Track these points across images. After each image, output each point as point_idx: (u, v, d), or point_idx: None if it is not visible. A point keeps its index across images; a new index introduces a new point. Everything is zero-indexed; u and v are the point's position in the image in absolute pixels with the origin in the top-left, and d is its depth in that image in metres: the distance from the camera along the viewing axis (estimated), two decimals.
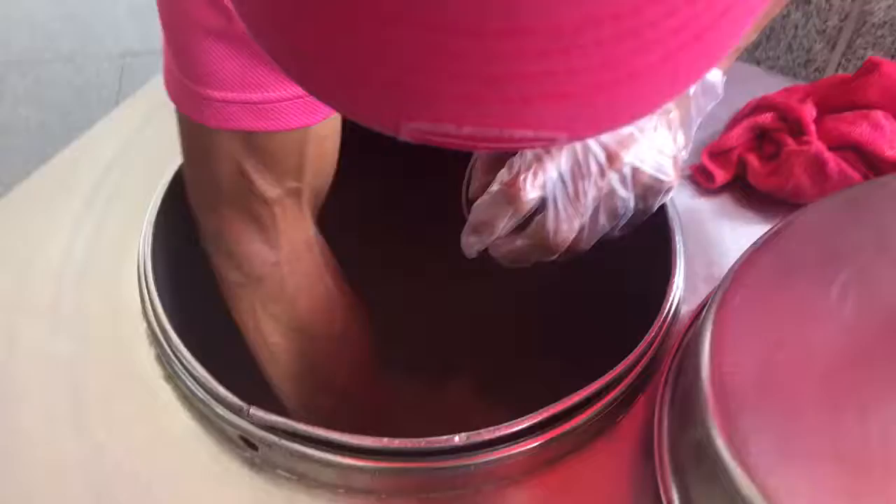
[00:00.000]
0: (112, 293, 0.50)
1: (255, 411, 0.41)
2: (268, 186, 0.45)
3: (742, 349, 0.41)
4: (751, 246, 0.46)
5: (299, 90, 0.41)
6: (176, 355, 0.45)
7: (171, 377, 0.46)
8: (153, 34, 2.15)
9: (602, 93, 0.19)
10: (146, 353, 0.47)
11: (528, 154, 0.46)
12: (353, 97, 0.20)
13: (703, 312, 0.47)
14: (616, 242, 0.51)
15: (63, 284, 0.51)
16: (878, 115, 0.57)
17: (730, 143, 0.58)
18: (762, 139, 0.59)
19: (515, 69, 0.18)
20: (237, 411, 0.41)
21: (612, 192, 0.47)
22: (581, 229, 0.47)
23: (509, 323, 0.74)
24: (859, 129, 0.56)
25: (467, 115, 0.19)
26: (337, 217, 0.51)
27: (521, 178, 0.45)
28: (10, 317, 0.49)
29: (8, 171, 1.74)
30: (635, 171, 0.46)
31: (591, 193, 0.46)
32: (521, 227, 0.48)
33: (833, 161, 0.55)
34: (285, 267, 0.48)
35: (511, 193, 0.45)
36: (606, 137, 0.46)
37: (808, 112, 0.58)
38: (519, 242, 0.48)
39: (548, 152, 0.45)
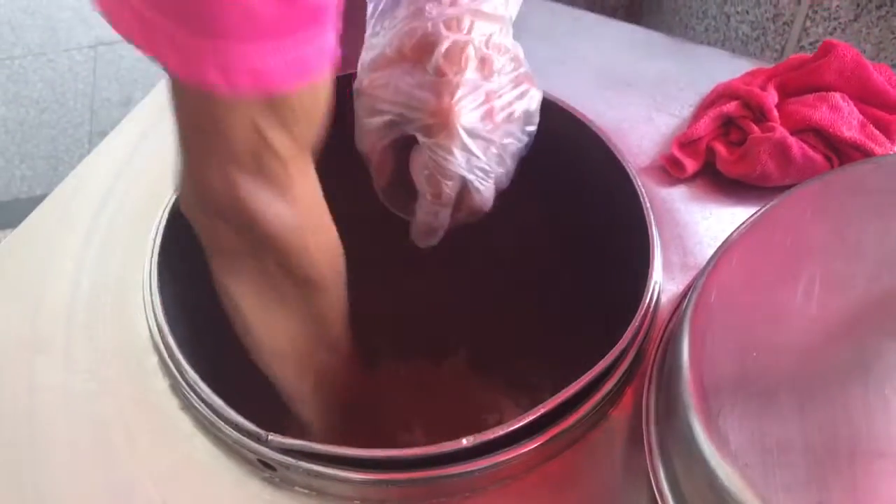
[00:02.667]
0: (122, 326, 0.53)
1: (274, 437, 0.44)
2: (286, 144, 0.43)
3: (719, 343, 0.44)
4: (725, 241, 0.49)
5: (330, 33, 0.40)
6: (190, 386, 0.48)
7: (188, 407, 0.49)
8: None
9: None
10: (161, 385, 0.50)
11: (426, 155, 0.51)
12: None
13: (682, 307, 0.50)
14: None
15: (74, 320, 0.53)
16: (836, 97, 0.60)
17: (698, 132, 0.61)
18: (728, 127, 0.62)
19: None
20: (256, 439, 0.44)
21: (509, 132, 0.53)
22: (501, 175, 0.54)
23: (492, 316, 0.77)
24: (819, 113, 0.59)
25: None
26: None
27: (440, 183, 0.51)
28: (25, 356, 0.52)
29: None
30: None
31: (495, 151, 0.52)
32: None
33: (796, 146, 0.58)
34: (302, 222, 0.47)
35: (443, 201, 0.52)
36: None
37: (770, 98, 0.60)
38: (458, 217, 0.56)
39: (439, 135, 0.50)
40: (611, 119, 0.64)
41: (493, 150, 0.52)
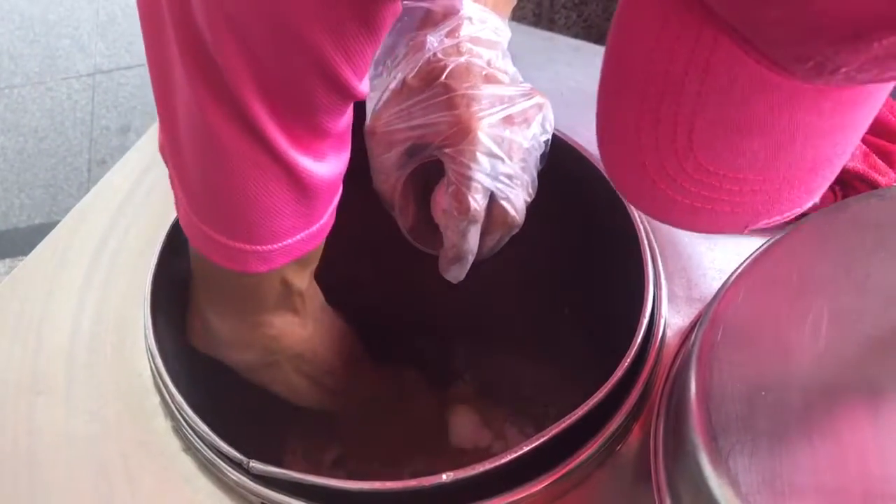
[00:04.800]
0: (123, 366, 0.52)
1: (255, 464, 0.44)
2: (303, 281, 0.50)
3: (727, 380, 0.43)
4: (730, 276, 0.49)
5: (336, 192, 0.47)
6: (193, 429, 0.47)
7: (190, 449, 0.48)
8: (121, 50, 2.14)
9: None
10: (163, 426, 0.49)
11: (450, 170, 0.49)
12: None
13: (689, 342, 0.50)
14: None
15: (74, 362, 0.53)
16: None
17: None
18: None
19: None
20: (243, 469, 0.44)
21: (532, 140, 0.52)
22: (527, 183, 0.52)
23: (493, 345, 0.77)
24: None
25: None
26: None
27: (467, 196, 0.49)
28: (26, 399, 0.51)
29: None
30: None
31: (518, 155, 0.51)
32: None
33: None
34: (314, 332, 0.53)
35: (471, 216, 0.49)
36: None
37: None
38: (489, 240, 0.53)
39: (455, 150, 0.49)
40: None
41: (516, 154, 0.50)
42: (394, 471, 0.72)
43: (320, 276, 0.53)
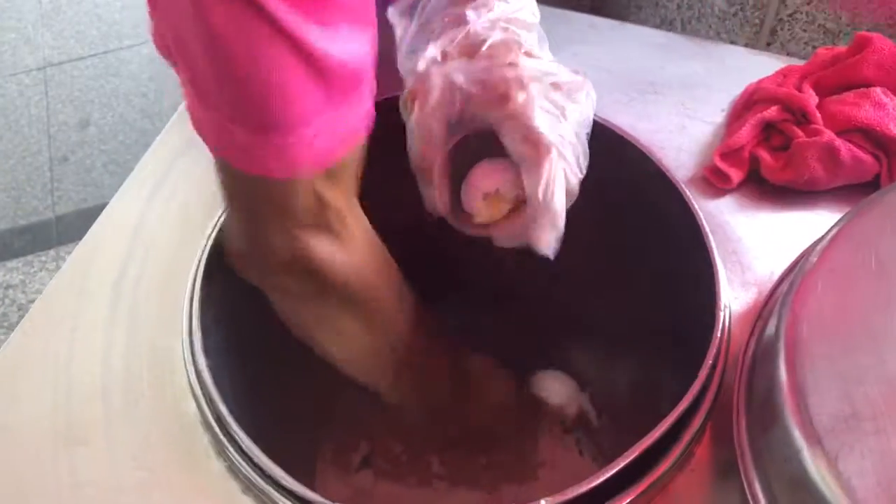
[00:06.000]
0: (164, 404, 0.49)
1: None
2: (340, 197, 0.46)
3: (821, 377, 0.41)
4: (800, 262, 0.47)
5: (368, 95, 0.43)
6: (255, 467, 0.44)
7: (251, 489, 0.45)
8: (70, 41, 2.05)
9: None
10: (217, 467, 0.46)
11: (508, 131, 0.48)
12: None
13: (763, 334, 0.48)
14: None
15: (110, 403, 0.49)
16: (878, 92, 0.58)
17: (740, 141, 0.58)
18: (770, 132, 0.59)
19: None
20: None
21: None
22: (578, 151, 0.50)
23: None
24: (863, 111, 0.57)
25: None
26: None
27: (541, 137, 0.47)
28: (64, 450, 0.48)
29: None
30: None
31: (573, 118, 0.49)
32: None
33: (844, 148, 0.56)
34: (362, 262, 0.49)
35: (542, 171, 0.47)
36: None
37: (811, 100, 0.58)
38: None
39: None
40: (643, 131, 0.62)
41: (566, 119, 0.49)
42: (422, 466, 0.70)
43: None
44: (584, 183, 0.50)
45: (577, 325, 0.72)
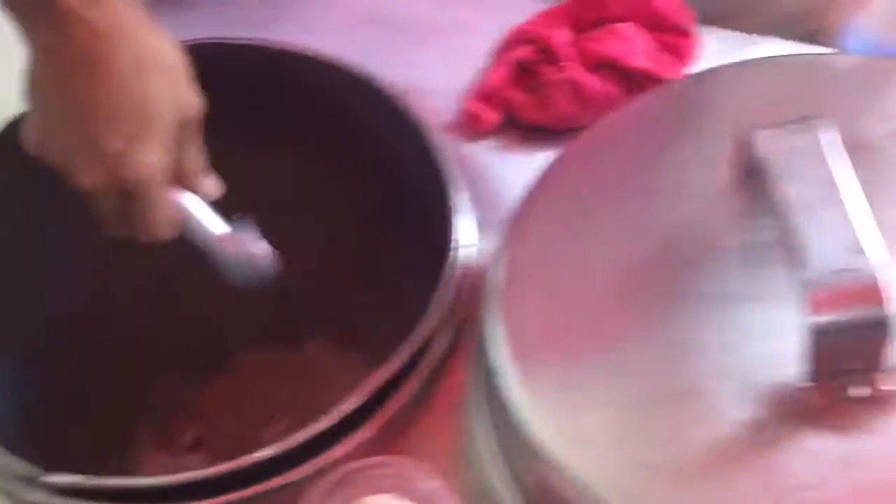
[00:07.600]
0: None
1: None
2: None
3: (529, 301, 0.42)
4: (523, 195, 0.47)
5: None
6: None
7: None
8: None
9: None
10: None
11: None
12: None
13: (490, 269, 0.48)
14: None
15: None
16: (626, 27, 0.59)
17: (493, 83, 0.59)
18: (524, 73, 0.60)
19: None
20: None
21: None
22: None
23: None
24: (609, 45, 0.58)
25: None
26: None
27: None
28: None
29: None
30: None
31: None
32: None
33: (589, 83, 0.57)
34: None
35: None
36: None
37: (559, 37, 0.59)
38: None
39: None
40: (410, 77, 0.61)
41: None
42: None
43: None
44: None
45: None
